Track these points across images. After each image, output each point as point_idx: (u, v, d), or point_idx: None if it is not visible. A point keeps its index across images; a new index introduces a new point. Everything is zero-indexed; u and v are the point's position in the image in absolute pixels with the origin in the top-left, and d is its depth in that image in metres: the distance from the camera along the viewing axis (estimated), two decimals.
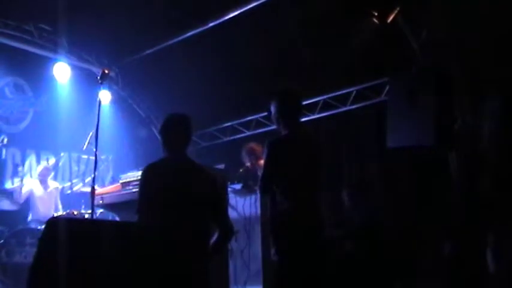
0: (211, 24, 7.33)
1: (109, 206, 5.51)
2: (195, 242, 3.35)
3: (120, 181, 5.36)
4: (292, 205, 3.71)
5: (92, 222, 4.57)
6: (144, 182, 3.45)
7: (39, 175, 7.53)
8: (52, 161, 8.36)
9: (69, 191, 8.04)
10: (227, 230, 3.60)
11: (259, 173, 6.56)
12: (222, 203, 3.73)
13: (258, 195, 6.08)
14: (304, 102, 5.98)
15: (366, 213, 5.76)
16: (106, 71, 5.19)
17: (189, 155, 3.62)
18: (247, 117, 9.17)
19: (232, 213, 5.91)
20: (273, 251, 3.77)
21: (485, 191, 3.74)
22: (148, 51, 8.11)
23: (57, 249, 2.91)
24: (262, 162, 6.48)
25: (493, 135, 3.84)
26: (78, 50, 8.48)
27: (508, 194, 3.44)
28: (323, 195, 3.96)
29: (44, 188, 7.42)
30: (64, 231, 2.98)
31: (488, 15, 5.44)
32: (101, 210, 6.20)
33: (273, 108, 3.98)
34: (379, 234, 5.36)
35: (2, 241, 6.35)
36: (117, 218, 5.76)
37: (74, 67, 8.36)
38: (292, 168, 3.79)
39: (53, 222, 3.19)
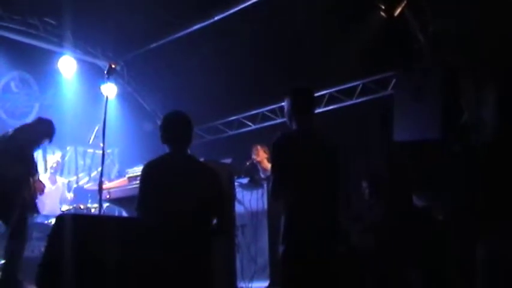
0: (216, 18, 7.31)
1: (116, 201, 5.50)
2: (196, 240, 3.35)
3: (127, 175, 5.37)
4: (300, 200, 3.68)
5: (101, 218, 4.57)
6: (143, 179, 3.45)
7: (51, 168, 7.54)
8: (58, 154, 8.36)
9: (75, 185, 8.03)
10: (222, 230, 3.60)
11: (261, 173, 6.61)
12: (223, 202, 3.69)
13: (265, 189, 6.08)
14: None
15: (385, 206, 5.76)
16: (113, 66, 5.16)
17: (195, 150, 3.60)
18: (253, 110, 9.15)
19: (239, 208, 5.91)
20: (281, 247, 3.75)
21: (484, 184, 3.69)
22: (153, 45, 8.10)
23: (66, 245, 2.91)
24: (265, 164, 6.52)
25: (490, 125, 3.80)
26: (84, 44, 8.45)
27: (503, 190, 3.39)
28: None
29: (51, 183, 7.43)
30: (73, 228, 2.98)
31: (496, 9, 5.40)
32: (107, 204, 6.21)
33: (285, 105, 3.93)
34: (400, 227, 5.37)
35: None
36: (124, 212, 5.76)
37: (79, 61, 8.35)
38: (298, 163, 3.74)
39: (62, 219, 3.20)
